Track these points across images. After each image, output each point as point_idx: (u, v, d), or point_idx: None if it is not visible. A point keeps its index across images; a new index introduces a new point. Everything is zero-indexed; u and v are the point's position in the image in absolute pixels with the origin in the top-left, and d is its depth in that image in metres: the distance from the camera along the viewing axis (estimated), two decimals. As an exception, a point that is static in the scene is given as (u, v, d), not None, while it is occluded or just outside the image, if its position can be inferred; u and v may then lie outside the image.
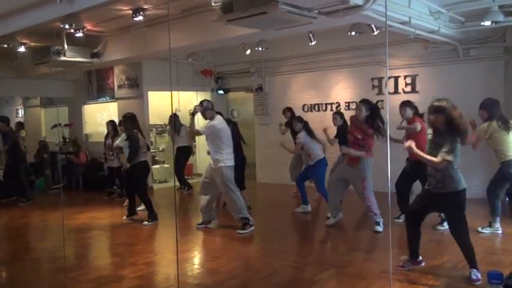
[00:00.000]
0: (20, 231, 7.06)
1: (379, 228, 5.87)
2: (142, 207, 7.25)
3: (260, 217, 7.11)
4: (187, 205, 8.76)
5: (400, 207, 6.15)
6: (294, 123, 7.30)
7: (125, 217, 7.15)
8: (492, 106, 5.62)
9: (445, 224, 5.74)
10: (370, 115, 5.83)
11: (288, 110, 8.42)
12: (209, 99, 10.38)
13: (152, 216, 6.83)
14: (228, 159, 6.02)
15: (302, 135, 7.01)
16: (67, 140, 11.18)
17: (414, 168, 5.67)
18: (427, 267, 4.54)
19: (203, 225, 6.35)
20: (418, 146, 4.24)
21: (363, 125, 5.85)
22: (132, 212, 7.16)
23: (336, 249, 5.66)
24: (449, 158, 3.90)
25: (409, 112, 5.98)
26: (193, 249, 5.61)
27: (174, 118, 9.29)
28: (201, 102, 6.19)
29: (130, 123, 6.99)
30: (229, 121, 6.96)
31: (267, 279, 4.48)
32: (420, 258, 4.47)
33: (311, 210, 7.32)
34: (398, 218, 6.15)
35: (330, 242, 6.14)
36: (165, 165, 10.84)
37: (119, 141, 7.03)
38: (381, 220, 5.90)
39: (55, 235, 6.61)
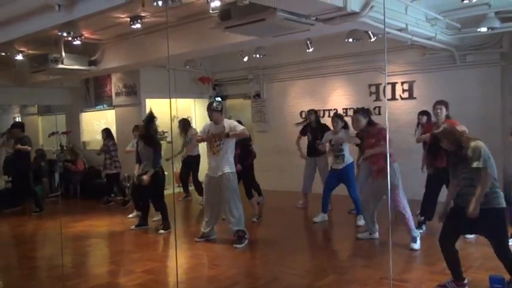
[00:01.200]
0: (17, 240, 7.02)
1: (416, 246, 5.32)
2: (157, 217, 7.22)
3: (260, 224, 7.10)
4: (187, 212, 8.73)
5: (425, 217, 6.07)
6: (335, 120, 6.84)
7: (134, 226, 6.99)
8: None
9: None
10: (369, 120, 5.58)
11: (314, 113, 7.88)
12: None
13: (166, 224, 6.68)
14: (233, 165, 5.89)
15: (343, 133, 6.76)
16: (64, 148, 11.16)
17: (441, 174, 5.49)
18: (427, 273, 4.54)
19: (203, 239, 6.12)
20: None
21: (368, 133, 5.53)
22: (144, 222, 7.01)
23: (335, 256, 5.64)
24: (487, 166, 3.63)
25: (444, 112, 5.68)
26: (192, 257, 5.58)
27: (183, 123, 8.98)
28: (210, 104, 5.85)
29: (147, 127, 6.73)
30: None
31: (267, 286, 4.47)
32: (466, 280, 3.97)
33: (308, 216, 7.31)
34: (421, 227, 6.01)
35: (330, 248, 6.13)
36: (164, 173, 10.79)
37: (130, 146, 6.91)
38: (418, 235, 5.43)
39: (53, 243, 6.59)
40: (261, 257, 5.57)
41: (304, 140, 7.92)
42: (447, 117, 5.70)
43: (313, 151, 7.55)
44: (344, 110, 9.24)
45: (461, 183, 3.83)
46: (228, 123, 5.85)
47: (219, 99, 11.33)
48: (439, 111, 5.69)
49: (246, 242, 5.84)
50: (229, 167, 5.78)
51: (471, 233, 3.90)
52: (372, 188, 5.58)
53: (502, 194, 3.73)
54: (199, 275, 4.89)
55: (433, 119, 6.06)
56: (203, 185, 6.29)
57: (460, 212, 3.79)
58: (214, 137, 5.77)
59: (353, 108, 9.04)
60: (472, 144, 3.69)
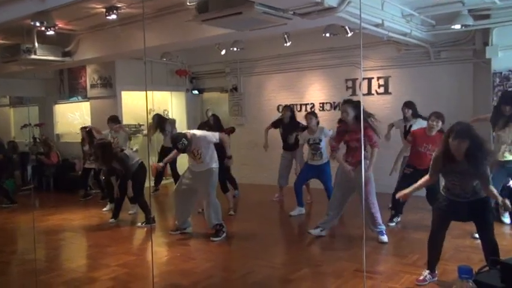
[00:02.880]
0: (-12, 234, 6.87)
1: (385, 238, 5.38)
2: (132, 211, 7.29)
3: (236, 217, 7.12)
4: (163, 205, 8.68)
5: (396, 210, 6.19)
6: (309, 117, 6.83)
7: (113, 219, 6.90)
8: None
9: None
10: (357, 115, 5.32)
11: (290, 110, 7.86)
12: (182, 101, 10.25)
13: (149, 219, 6.58)
14: (217, 161, 5.94)
15: (320, 131, 6.78)
16: (37, 140, 10.94)
17: (416, 174, 5.66)
18: (399, 265, 4.63)
19: (178, 232, 6.12)
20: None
21: (355, 128, 5.35)
22: (118, 214, 6.97)
23: (311, 249, 5.69)
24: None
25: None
26: (168, 250, 5.56)
27: (158, 118, 8.98)
28: (176, 146, 5.71)
29: (107, 151, 6.72)
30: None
31: (242, 279, 4.49)
32: (436, 272, 4.18)
33: (284, 211, 7.35)
34: (392, 220, 6.17)
35: (305, 241, 6.18)
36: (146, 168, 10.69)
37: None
38: (384, 229, 5.49)
39: (25, 237, 6.48)
40: (237, 251, 5.59)
41: (274, 132, 8.01)
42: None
43: (289, 145, 7.63)
44: (321, 105, 9.32)
45: (453, 178, 3.85)
46: (201, 141, 5.77)
47: (196, 92, 11.29)
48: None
49: (224, 235, 5.87)
50: (215, 163, 5.89)
51: (463, 221, 4.09)
52: (346, 187, 5.56)
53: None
54: (175, 269, 4.87)
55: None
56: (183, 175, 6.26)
57: (453, 203, 3.88)
58: (193, 151, 5.80)
59: (330, 103, 9.21)
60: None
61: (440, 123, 5.55)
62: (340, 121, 5.57)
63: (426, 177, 4.05)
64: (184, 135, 5.75)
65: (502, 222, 5.94)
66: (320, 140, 6.72)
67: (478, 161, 3.60)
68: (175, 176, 8.82)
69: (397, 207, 6.15)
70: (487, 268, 3.07)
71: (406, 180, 5.85)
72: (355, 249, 5.27)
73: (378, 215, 5.42)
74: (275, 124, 7.97)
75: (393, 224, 6.16)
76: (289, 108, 7.89)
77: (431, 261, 4.12)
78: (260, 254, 5.25)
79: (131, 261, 5.13)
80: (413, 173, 5.65)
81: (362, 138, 5.14)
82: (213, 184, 5.86)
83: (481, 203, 3.85)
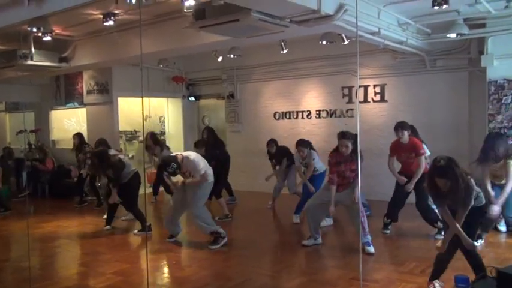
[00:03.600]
0: (-18, 241, 6.81)
1: (372, 249, 5.30)
2: (126, 217, 7.33)
3: (231, 225, 7.09)
4: (159, 213, 8.64)
5: (392, 219, 6.19)
6: (300, 149, 6.90)
7: (108, 226, 6.89)
8: None
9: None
10: (354, 148, 5.36)
11: (274, 143, 8.10)
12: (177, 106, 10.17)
13: (144, 226, 6.58)
14: (211, 175, 5.99)
15: (310, 154, 6.92)
16: (33, 146, 10.89)
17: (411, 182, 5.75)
18: (396, 273, 4.62)
19: (174, 239, 6.15)
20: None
21: (350, 159, 5.42)
22: (111, 221, 6.97)
23: (307, 257, 5.67)
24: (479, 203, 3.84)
25: (406, 135, 5.86)
26: (163, 258, 5.53)
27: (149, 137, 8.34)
28: (166, 170, 5.77)
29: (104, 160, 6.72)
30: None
31: (239, 287, 4.46)
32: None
33: (281, 218, 7.34)
34: (388, 228, 6.18)
35: (301, 249, 6.16)
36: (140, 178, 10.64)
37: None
38: (370, 239, 5.38)
39: (20, 245, 6.42)
40: (233, 258, 5.56)
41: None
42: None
43: (283, 167, 7.77)
44: (317, 112, 9.33)
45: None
46: (191, 165, 5.78)
47: (192, 98, 11.29)
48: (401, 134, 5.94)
49: (224, 241, 5.85)
50: (210, 176, 5.93)
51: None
52: (324, 199, 5.56)
53: (479, 194, 3.88)
54: (170, 276, 4.85)
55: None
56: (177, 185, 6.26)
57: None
58: (185, 173, 5.85)
59: (326, 110, 9.22)
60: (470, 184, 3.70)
61: (405, 132, 5.85)
62: (333, 151, 5.58)
63: (442, 213, 3.96)
64: (174, 159, 5.74)
65: (498, 230, 5.95)
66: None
67: (459, 199, 3.66)
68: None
69: (392, 215, 6.16)
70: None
71: (399, 184, 6.02)
72: (351, 257, 5.25)
73: (366, 225, 5.41)
74: (270, 157, 8.13)
75: (388, 231, 6.15)
76: (273, 142, 8.10)
77: (440, 268, 4.00)
78: (256, 261, 5.23)
79: (126, 269, 5.10)
80: (408, 180, 5.84)
81: (359, 167, 5.15)
82: (200, 196, 5.84)
83: (471, 210, 3.78)
